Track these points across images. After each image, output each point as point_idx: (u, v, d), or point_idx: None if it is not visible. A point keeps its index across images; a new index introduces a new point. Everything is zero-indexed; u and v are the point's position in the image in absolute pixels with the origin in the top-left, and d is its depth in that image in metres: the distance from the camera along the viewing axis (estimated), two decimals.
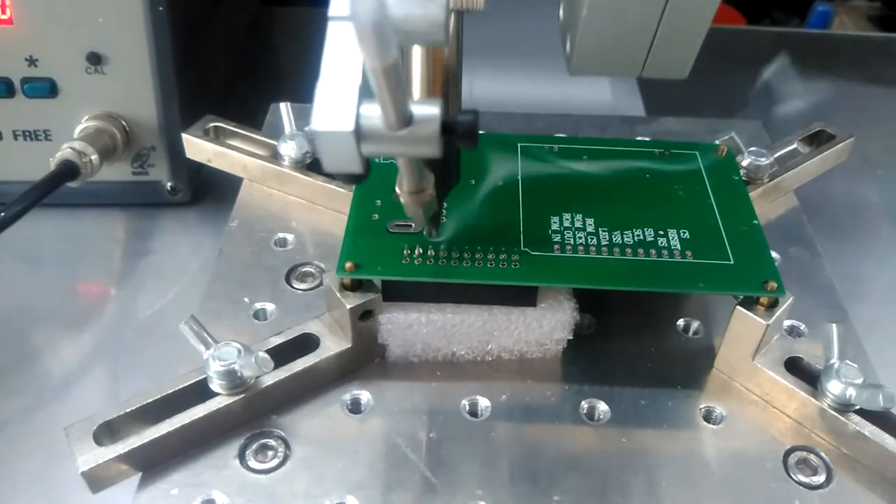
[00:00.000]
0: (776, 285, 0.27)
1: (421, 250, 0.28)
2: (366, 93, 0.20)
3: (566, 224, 0.29)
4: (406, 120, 0.20)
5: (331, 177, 0.35)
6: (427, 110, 0.20)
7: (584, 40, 0.26)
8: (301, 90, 0.54)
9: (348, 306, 0.27)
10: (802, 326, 0.31)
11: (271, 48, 0.59)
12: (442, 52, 0.25)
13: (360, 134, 0.20)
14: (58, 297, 0.38)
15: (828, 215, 0.45)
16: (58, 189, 0.36)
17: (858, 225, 0.45)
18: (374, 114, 0.20)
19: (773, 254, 0.34)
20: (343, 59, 0.20)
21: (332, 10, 0.21)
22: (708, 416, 0.28)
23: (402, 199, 0.25)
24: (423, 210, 0.25)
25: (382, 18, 0.17)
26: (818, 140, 0.38)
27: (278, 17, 0.61)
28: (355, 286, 0.27)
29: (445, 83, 0.26)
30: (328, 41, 0.21)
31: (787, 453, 0.27)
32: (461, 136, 0.21)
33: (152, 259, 0.41)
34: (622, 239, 0.28)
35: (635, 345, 0.30)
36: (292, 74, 0.57)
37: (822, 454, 0.27)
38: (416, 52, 0.25)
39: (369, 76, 0.18)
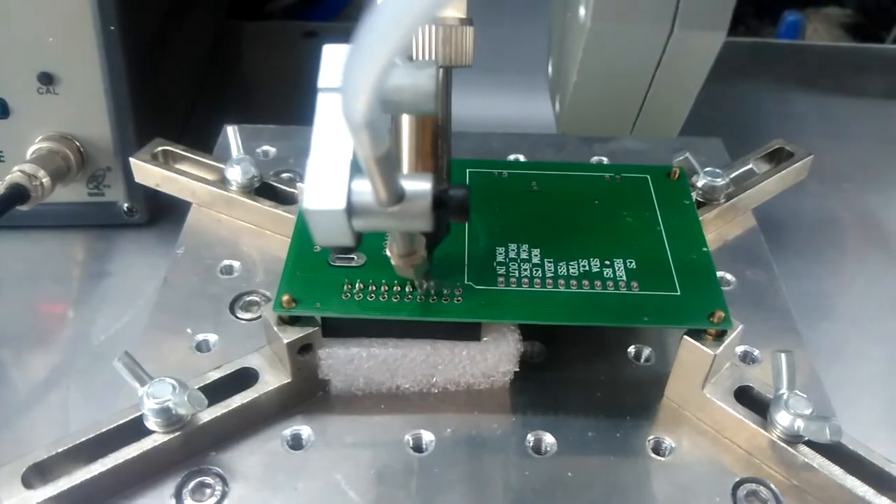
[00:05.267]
0: (724, 315, 0.27)
1: (362, 286, 0.27)
2: (357, 167, 0.20)
3: (511, 255, 0.28)
4: (398, 197, 0.20)
5: (279, 202, 0.34)
6: (418, 186, 0.20)
7: (574, 104, 0.26)
8: (268, 107, 0.53)
9: (286, 341, 0.26)
10: (756, 352, 0.31)
11: (238, 63, 0.59)
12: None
13: (351, 211, 0.20)
14: (12, 320, 0.38)
15: (793, 229, 0.44)
16: (8, 213, 0.36)
17: (824, 239, 0.44)
18: (365, 189, 0.20)
19: (729, 276, 0.33)
20: (333, 132, 0.20)
21: (322, 82, 0.20)
22: (657, 448, 0.27)
23: (392, 262, 0.25)
24: (414, 271, 0.25)
25: (376, 117, 0.16)
26: (777, 157, 0.37)
27: (246, 32, 0.61)
28: (294, 319, 0.27)
29: (434, 138, 0.25)
30: (318, 113, 0.20)
31: (737, 486, 0.26)
32: (453, 211, 0.21)
33: (109, 281, 0.40)
34: (567, 270, 0.28)
35: (585, 373, 0.30)
36: (259, 91, 0.56)
37: (772, 486, 0.26)
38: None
39: (360, 162, 0.18)
